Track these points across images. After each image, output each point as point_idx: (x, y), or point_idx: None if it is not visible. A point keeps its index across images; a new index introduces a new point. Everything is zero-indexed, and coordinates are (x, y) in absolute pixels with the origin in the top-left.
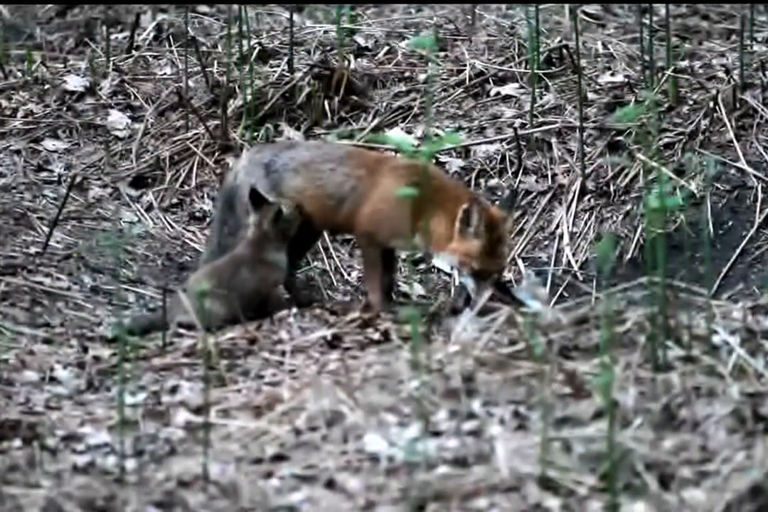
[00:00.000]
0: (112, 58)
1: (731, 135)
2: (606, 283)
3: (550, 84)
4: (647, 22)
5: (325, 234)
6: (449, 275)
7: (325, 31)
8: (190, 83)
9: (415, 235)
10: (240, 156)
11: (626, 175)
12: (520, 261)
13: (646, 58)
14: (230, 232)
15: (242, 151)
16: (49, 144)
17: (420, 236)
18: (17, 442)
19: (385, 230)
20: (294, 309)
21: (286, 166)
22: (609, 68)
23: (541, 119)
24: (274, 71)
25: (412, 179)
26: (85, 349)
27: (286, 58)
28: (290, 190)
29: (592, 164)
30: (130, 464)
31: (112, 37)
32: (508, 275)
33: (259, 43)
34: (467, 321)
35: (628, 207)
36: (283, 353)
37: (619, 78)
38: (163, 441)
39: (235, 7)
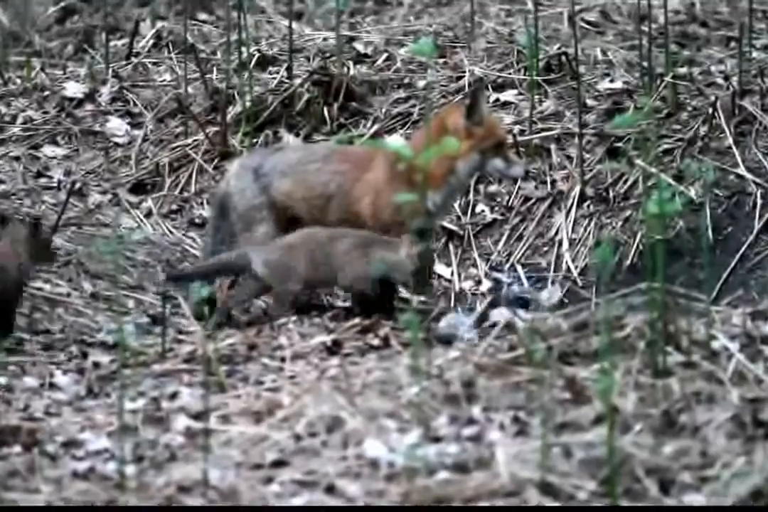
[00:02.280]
0: (111, 65)
1: (730, 141)
2: (605, 289)
3: (549, 90)
4: (646, 29)
5: None
6: (449, 281)
7: (324, 38)
8: (190, 90)
9: (426, 198)
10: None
11: (625, 181)
12: (519, 268)
13: (645, 64)
14: (223, 239)
15: None
16: (49, 150)
17: (432, 192)
18: (17, 448)
19: (396, 216)
20: (293, 316)
21: (274, 169)
22: (608, 75)
23: (540, 125)
24: (274, 78)
25: (396, 163)
26: (85, 355)
27: (285, 65)
28: (279, 193)
29: (591, 170)
30: (130, 470)
31: (111, 44)
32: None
33: (259, 50)
34: (459, 322)
35: (628, 213)
36: (283, 359)
37: (618, 84)
38: (163, 447)
39: (234, 14)
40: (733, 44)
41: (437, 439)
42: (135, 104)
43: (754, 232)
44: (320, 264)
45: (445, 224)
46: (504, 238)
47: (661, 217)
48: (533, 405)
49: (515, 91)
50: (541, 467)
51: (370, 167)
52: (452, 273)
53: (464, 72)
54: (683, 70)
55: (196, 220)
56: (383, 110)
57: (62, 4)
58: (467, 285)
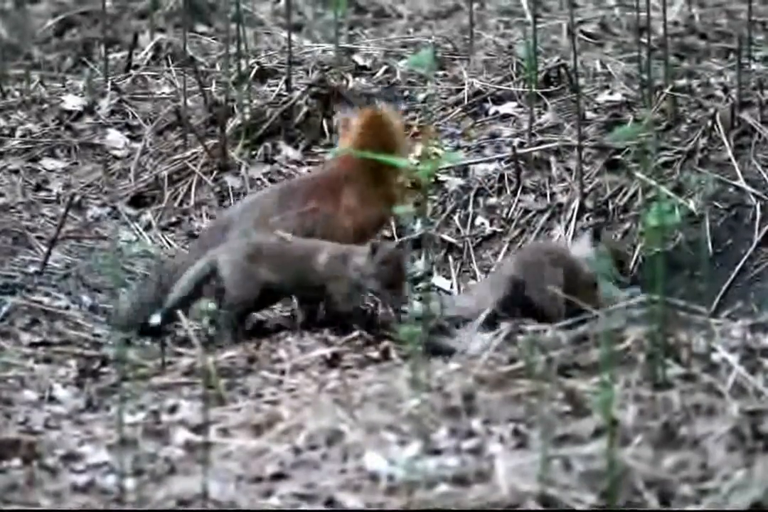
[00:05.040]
0: (110, 78)
1: (729, 153)
2: (605, 301)
3: (548, 103)
4: (645, 41)
5: None
6: (449, 293)
7: (324, 51)
8: (189, 102)
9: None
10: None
11: (625, 193)
12: None
13: (644, 77)
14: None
15: (240, 170)
16: (48, 163)
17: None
18: (16, 461)
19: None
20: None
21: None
22: (607, 87)
23: (539, 138)
24: (273, 90)
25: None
26: (84, 369)
27: (284, 78)
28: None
29: (590, 183)
30: (130, 483)
31: (110, 56)
32: None
33: (258, 63)
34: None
35: (627, 225)
36: (283, 372)
37: (618, 97)
38: (162, 460)
39: (233, 26)
40: (732, 56)
41: (437, 452)
42: (134, 117)
43: (754, 244)
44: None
45: (445, 237)
46: (504, 250)
47: (660, 229)
48: (533, 418)
49: (514, 104)
50: (541, 480)
51: (341, 193)
52: (452, 286)
53: (463, 84)
54: (682, 82)
55: (195, 233)
56: None
57: (61, 16)
58: None
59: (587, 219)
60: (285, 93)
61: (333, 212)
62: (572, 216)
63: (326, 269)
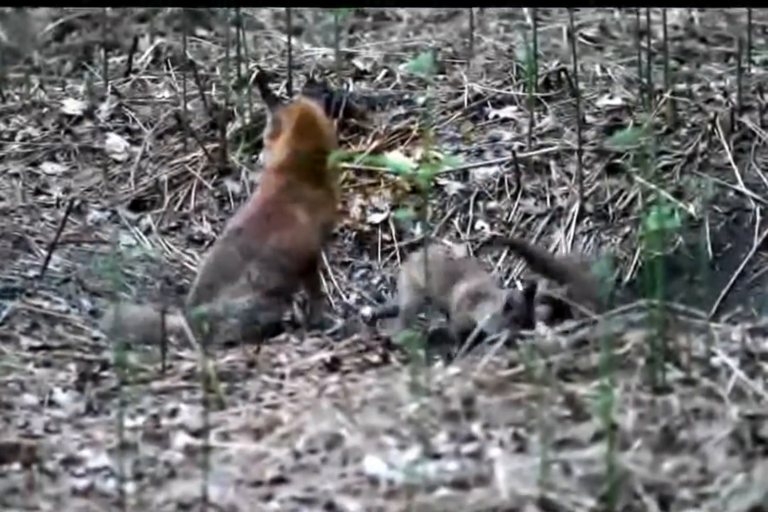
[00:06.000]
0: (110, 82)
1: (729, 157)
2: (605, 306)
3: (548, 107)
4: (645, 45)
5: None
6: None
7: (324, 55)
8: (189, 106)
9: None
10: None
11: (625, 197)
12: (519, 284)
13: (644, 81)
14: None
15: (241, 174)
16: (48, 167)
17: None
18: (16, 465)
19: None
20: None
21: None
22: (607, 91)
23: (539, 142)
24: (273, 94)
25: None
26: (84, 373)
27: (284, 82)
28: None
29: (590, 187)
30: (130, 487)
31: (110, 60)
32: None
33: (258, 67)
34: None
35: (627, 229)
36: (283, 376)
37: (618, 101)
38: (162, 464)
39: (233, 30)
40: (732, 60)
41: (437, 456)
42: (134, 121)
43: (754, 248)
44: None
45: (445, 241)
46: (504, 254)
47: (660, 233)
48: (533, 422)
49: (514, 108)
50: (540, 484)
51: (292, 207)
52: None
53: (463, 88)
54: (682, 87)
55: (196, 237)
56: (383, 126)
57: (61, 20)
58: None
59: (587, 223)
60: (285, 97)
61: (296, 231)
62: (572, 220)
63: (458, 301)
